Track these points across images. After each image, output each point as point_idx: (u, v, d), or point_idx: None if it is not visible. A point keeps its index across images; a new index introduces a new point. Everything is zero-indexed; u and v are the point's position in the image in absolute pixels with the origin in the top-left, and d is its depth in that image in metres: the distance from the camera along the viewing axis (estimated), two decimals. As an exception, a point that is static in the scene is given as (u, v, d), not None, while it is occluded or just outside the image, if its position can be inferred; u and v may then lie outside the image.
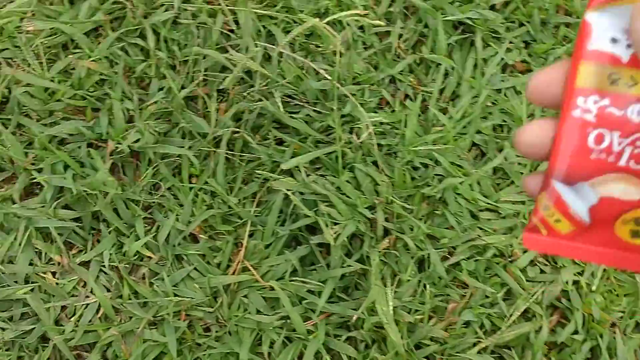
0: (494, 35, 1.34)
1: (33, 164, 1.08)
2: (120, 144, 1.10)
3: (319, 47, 1.29)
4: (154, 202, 1.11)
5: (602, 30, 0.42)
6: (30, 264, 1.04)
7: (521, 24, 1.37)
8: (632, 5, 0.39)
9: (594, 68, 0.42)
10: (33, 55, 1.13)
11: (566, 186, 0.42)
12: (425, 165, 1.27)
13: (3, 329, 0.99)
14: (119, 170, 1.13)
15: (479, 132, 1.27)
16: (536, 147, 0.44)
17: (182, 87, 1.20)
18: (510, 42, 1.34)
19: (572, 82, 0.42)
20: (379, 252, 1.15)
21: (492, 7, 1.35)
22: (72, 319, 1.02)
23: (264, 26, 1.27)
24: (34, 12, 1.18)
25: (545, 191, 0.43)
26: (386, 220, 1.19)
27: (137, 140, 1.10)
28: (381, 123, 1.27)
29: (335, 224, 1.13)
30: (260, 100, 1.20)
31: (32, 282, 1.02)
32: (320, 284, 1.09)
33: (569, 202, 0.42)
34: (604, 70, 0.42)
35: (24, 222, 1.03)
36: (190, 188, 1.13)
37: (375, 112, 1.29)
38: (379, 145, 1.24)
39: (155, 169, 1.12)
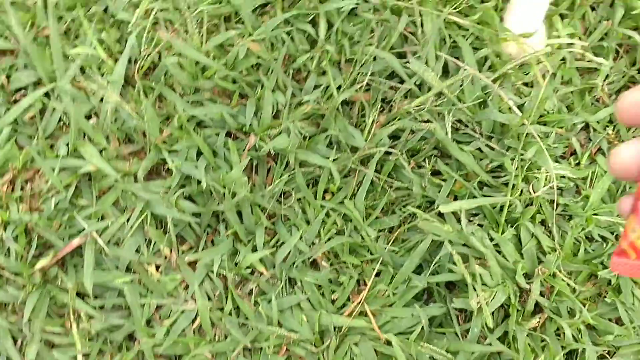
0: None
1: (165, 142, 0.98)
2: (263, 141, 0.97)
3: (512, 71, 1.08)
4: (280, 212, 0.98)
5: None
6: (137, 251, 0.95)
7: None
8: None
9: None
10: (194, 22, 1.03)
11: None
12: (604, 239, 1.04)
13: (91, 317, 0.91)
14: (251, 167, 1.01)
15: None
16: (632, 169, 0.42)
17: (340, 88, 1.06)
18: None
19: None
20: (527, 331, 0.95)
21: None
22: (165, 322, 0.91)
23: (450, 35, 1.09)
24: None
25: (634, 214, 0.42)
26: (541, 294, 0.97)
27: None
28: (563, 177, 1.05)
29: (484, 287, 0.94)
30: (427, 121, 1.03)
31: (134, 272, 0.93)
32: (449, 354, 0.90)
33: None
34: None
35: (141, 204, 0.94)
36: (323, 205, 0.99)
37: (558, 162, 1.07)
38: (555, 203, 1.02)
39: (290, 176, 0.99)
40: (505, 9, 1.11)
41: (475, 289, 0.91)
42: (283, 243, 0.96)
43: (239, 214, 0.96)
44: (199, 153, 0.97)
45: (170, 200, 0.94)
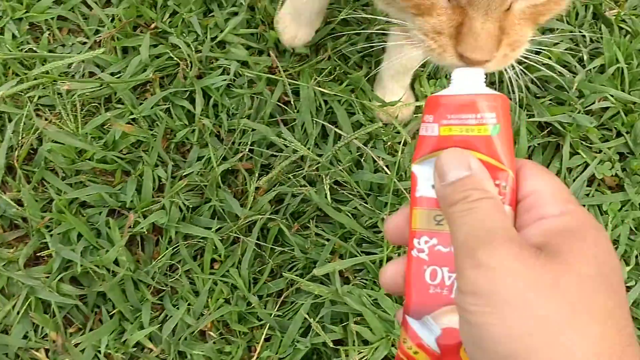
0: (584, 143, 1.16)
1: (48, 226, 0.99)
2: (143, 217, 1.00)
3: (383, 130, 1.15)
4: (167, 286, 1.00)
5: (424, 180, 0.48)
6: (25, 337, 0.95)
7: (619, 134, 1.18)
8: (435, 158, 0.47)
9: (423, 212, 0.48)
10: (71, 106, 1.05)
11: (416, 320, 0.46)
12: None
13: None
14: (137, 243, 1.03)
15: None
16: (396, 286, 0.49)
17: (224, 159, 1.10)
18: (603, 153, 1.16)
19: (410, 225, 0.49)
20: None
21: (588, 111, 1.18)
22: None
23: (325, 101, 1.15)
24: (83, 60, 1.11)
25: (403, 327, 0.47)
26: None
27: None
28: (439, 227, 1.11)
29: (367, 343, 0.98)
30: (305, 185, 1.08)
31: (19, 361, 0.93)
32: (337, 412, 0.93)
33: (420, 335, 0.46)
34: (430, 213, 0.48)
35: (25, 290, 0.94)
36: (211, 274, 1.01)
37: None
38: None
39: (175, 249, 1.01)
40: (376, 78, 1.18)
41: (355, 344, 0.95)
42: (170, 317, 0.98)
43: (124, 292, 0.98)
44: (81, 236, 0.98)
45: (52, 285, 0.94)
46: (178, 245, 1.01)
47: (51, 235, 0.98)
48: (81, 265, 0.95)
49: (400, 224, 0.50)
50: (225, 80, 1.13)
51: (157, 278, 1.00)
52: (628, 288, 1.07)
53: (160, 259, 0.99)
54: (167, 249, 1.01)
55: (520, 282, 0.40)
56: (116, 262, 0.98)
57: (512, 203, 0.46)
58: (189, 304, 0.99)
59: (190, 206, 1.04)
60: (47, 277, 0.96)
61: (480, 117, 0.46)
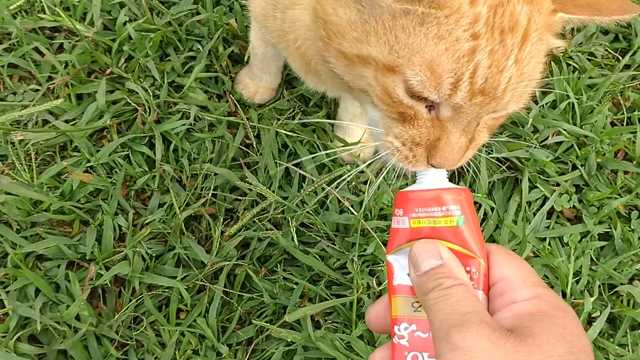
0: (542, 176, 1.19)
1: (3, 282, 0.94)
2: (105, 268, 0.96)
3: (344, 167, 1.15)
4: (132, 340, 0.96)
5: (400, 269, 0.52)
6: (-22, 403, 0.89)
7: (574, 167, 1.21)
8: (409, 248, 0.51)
9: (401, 299, 0.52)
10: (24, 156, 1.01)
11: None
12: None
13: None
14: (99, 296, 0.99)
15: (517, 287, 1.09)
16: (381, 325, 0.54)
17: (187, 204, 1.07)
18: (560, 186, 1.19)
19: (390, 313, 0.52)
20: None
21: (544, 146, 1.21)
22: None
23: (286, 144, 1.15)
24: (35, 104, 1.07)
25: None
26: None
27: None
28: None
29: (340, 388, 0.96)
30: (271, 229, 1.06)
31: None
32: None
33: None
34: (408, 300, 0.51)
35: (-22, 353, 0.88)
36: (177, 324, 0.98)
37: (401, 252, 1.13)
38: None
39: (139, 301, 0.97)
40: (335, 119, 1.19)
41: (331, 392, 0.93)
42: (136, 373, 0.93)
43: (86, 348, 0.93)
44: (39, 290, 0.94)
45: (10, 345, 0.89)
46: (142, 297, 0.97)
47: (7, 292, 0.93)
48: (40, 323, 0.90)
49: (380, 313, 0.54)
50: (185, 124, 1.11)
51: (121, 332, 0.96)
52: (593, 319, 1.09)
53: (124, 311, 0.95)
54: (130, 300, 0.97)
55: None
56: (77, 318, 0.93)
57: (485, 288, 0.50)
58: (155, 357, 0.95)
59: (154, 255, 1.01)
60: (4, 337, 0.90)
61: (445, 210, 0.51)
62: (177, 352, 0.96)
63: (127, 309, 0.96)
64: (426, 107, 0.65)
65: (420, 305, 0.50)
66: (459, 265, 0.50)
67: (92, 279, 0.95)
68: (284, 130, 1.11)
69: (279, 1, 0.80)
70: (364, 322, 1.02)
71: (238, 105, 1.15)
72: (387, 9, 0.62)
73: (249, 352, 0.99)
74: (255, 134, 1.14)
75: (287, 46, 0.83)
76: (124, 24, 1.20)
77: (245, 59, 1.18)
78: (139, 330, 0.97)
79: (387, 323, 0.52)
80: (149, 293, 0.98)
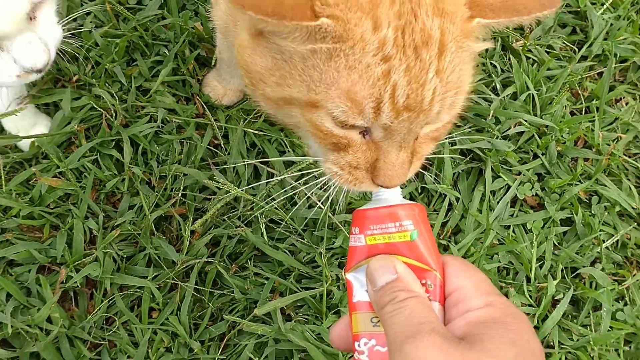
0: (505, 166, 1.22)
1: (-27, 288, 0.95)
2: (75, 271, 0.97)
3: (313, 166, 1.17)
4: (104, 340, 0.97)
5: (359, 286, 0.53)
6: (-47, 408, 0.89)
7: (535, 156, 1.25)
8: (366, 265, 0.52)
9: (361, 315, 0.53)
10: (-6, 163, 1.02)
11: None
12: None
13: None
14: (70, 298, 1.00)
15: (483, 274, 1.12)
16: (343, 343, 0.56)
17: (157, 205, 1.09)
18: (522, 175, 1.22)
19: (351, 330, 0.53)
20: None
21: (505, 136, 1.24)
22: None
23: (254, 143, 1.17)
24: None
25: None
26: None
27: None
28: (375, 257, 1.13)
29: (312, 378, 0.98)
30: (241, 226, 1.08)
31: None
32: None
33: None
34: (367, 316, 0.53)
35: (-49, 358, 0.89)
36: (150, 323, 1.00)
37: (369, 244, 1.15)
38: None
39: (111, 301, 0.99)
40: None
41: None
42: (110, 372, 0.95)
43: (59, 350, 0.94)
44: (10, 294, 0.95)
45: (-19, 350, 0.90)
46: (114, 297, 0.99)
47: (-22, 298, 0.94)
48: (12, 327, 0.91)
49: (342, 331, 0.56)
50: (153, 127, 1.13)
51: (94, 333, 0.97)
52: (557, 301, 1.12)
53: (96, 312, 0.97)
54: (102, 301, 0.99)
55: None
56: (49, 320, 0.95)
57: (441, 299, 0.53)
58: (128, 357, 0.96)
59: (125, 256, 1.03)
60: (-24, 342, 0.91)
61: (399, 225, 0.53)
62: (149, 350, 0.98)
63: (99, 309, 0.97)
64: (360, 133, 0.67)
65: (379, 320, 0.52)
66: (414, 278, 0.52)
67: (63, 282, 0.96)
68: (251, 129, 1.13)
69: (238, 22, 0.81)
70: (334, 313, 1.05)
71: (206, 107, 1.17)
72: (294, 53, 0.64)
73: (222, 348, 1.01)
74: (223, 135, 1.16)
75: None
76: (90, 31, 1.21)
77: (213, 62, 1.20)
78: (111, 330, 0.98)
79: (349, 341, 0.54)
80: (121, 294, 1.00)
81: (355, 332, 0.53)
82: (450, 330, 0.49)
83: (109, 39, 1.20)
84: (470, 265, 0.54)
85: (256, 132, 1.13)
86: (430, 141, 0.74)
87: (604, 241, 1.18)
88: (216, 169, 1.13)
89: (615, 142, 1.28)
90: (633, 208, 1.21)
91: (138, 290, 1.01)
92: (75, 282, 0.96)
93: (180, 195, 1.10)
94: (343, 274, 0.59)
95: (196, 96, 1.19)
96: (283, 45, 0.65)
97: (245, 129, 1.14)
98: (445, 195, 1.19)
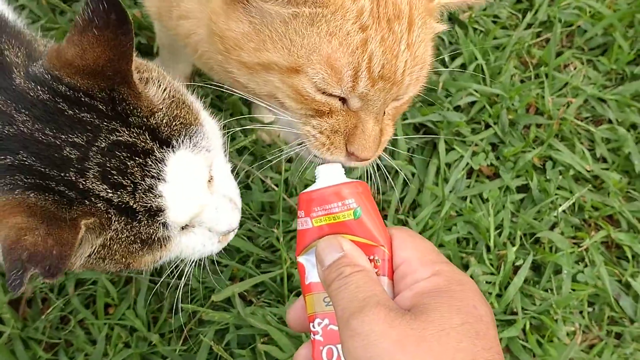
0: (458, 138, 1.22)
1: None
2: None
3: (266, 150, 1.16)
4: (60, 340, 0.95)
5: (311, 268, 0.55)
6: None
7: (487, 126, 1.25)
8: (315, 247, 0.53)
9: (314, 296, 0.54)
10: None
11: None
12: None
13: None
14: (27, 301, 0.97)
15: (441, 245, 1.13)
16: (299, 324, 0.57)
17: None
18: (476, 145, 1.23)
19: (306, 311, 0.54)
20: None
21: (457, 108, 1.24)
22: None
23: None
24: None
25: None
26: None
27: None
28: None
29: (276, 362, 0.97)
30: (194, 215, 1.06)
31: None
32: None
33: None
34: (320, 296, 0.53)
35: None
36: (107, 319, 0.97)
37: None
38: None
39: (65, 300, 0.96)
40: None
41: (266, 366, 0.93)
42: (67, 371, 0.92)
43: (13, 353, 0.91)
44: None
45: None
46: (68, 296, 0.96)
47: None
48: (-40, 332, 0.88)
49: (299, 314, 0.56)
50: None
51: (49, 333, 0.95)
52: (518, 267, 1.12)
53: (51, 311, 0.94)
54: (57, 300, 0.96)
55: (389, 343, 0.45)
56: (1, 322, 0.92)
57: (389, 273, 0.53)
58: (86, 354, 0.94)
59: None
60: None
61: (342, 205, 0.53)
62: (108, 346, 0.95)
63: (54, 309, 0.94)
64: (339, 100, 0.68)
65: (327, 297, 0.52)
66: (361, 254, 0.52)
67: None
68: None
69: (173, 6, 0.80)
70: (295, 295, 1.03)
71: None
72: (276, 16, 0.65)
73: (182, 339, 0.99)
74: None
75: (188, 50, 0.84)
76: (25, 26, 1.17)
77: (155, 50, 1.18)
78: (67, 329, 0.96)
79: (306, 322, 0.54)
80: (76, 292, 0.97)
81: (310, 313, 0.54)
82: (399, 303, 0.49)
83: (46, 33, 1.16)
84: (416, 236, 0.55)
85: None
86: (391, 122, 0.75)
87: (560, 205, 1.19)
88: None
89: (566, 106, 1.29)
90: (587, 171, 1.22)
91: (92, 286, 0.98)
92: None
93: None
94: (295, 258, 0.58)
95: (141, 86, 1.17)
96: (265, 8, 0.65)
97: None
98: (401, 171, 1.18)
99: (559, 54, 1.33)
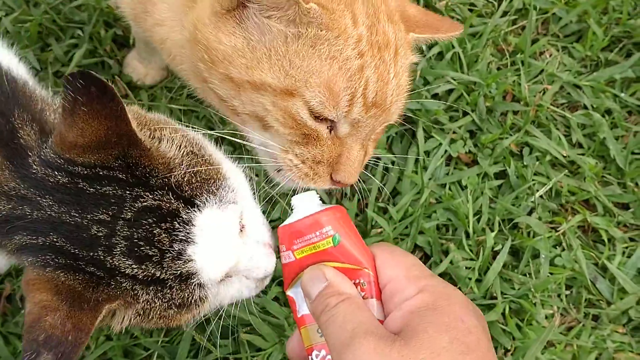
0: (436, 126, 1.23)
1: None
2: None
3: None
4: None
5: (301, 300, 0.55)
6: None
7: (465, 113, 1.26)
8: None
9: (308, 328, 0.54)
10: None
11: None
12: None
13: None
14: (6, 297, 0.96)
15: (421, 232, 1.14)
16: (298, 356, 0.56)
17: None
18: (454, 133, 1.23)
19: (302, 344, 0.54)
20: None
21: (435, 96, 1.25)
22: None
23: (181, 120, 1.14)
24: None
25: None
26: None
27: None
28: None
29: (259, 350, 0.97)
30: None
31: None
32: None
33: None
34: (313, 328, 0.53)
35: None
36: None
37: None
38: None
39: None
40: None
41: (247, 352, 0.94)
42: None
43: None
44: None
45: None
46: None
47: None
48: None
49: (296, 345, 0.56)
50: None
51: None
52: (496, 252, 1.14)
53: (28, 306, 0.93)
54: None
55: None
56: (-22, 319, 0.91)
57: (377, 294, 0.53)
58: (67, 348, 0.93)
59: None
60: None
61: (319, 234, 0.53)
62: (89, 339, 0.94)
63: (31, 303, 0.93)
64: (327, 127, 0.68)
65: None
66: (345, 280, 0.52)
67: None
68: (176, 105, 1.11)
69: (148, 12, 0.79)
70: (277, 285, 1.04)
71: (127, 88, 1.13)
72: (278, 35, 0.64)
73: (165, 330, 0.98)
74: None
75: (162, 53, 0.83)
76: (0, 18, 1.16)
77: (131, 41, 1.17)
78: (47, 323, 0.95)
79: (304, 355, 0.54)
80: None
81: (307, 346, 0.54)
82: (389, 324, 0.49)
83: (20, 25, 1.15)
84: (396, 251, 0.55)
85: (182, 107, 1.11)
86: (374, 143, 0.77)
87: (537, 190, 1.20)
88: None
89: (542, 93, 1.30)
90: (563, 156, 1.24)
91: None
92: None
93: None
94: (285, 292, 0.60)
95: (117, 78, 1.16)
96: (266, 25, 0.64)
97: (170, 106, 1.11)
98: (381, 159, 1.19)
99: (534, 41, 1.34)
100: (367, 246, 0.55)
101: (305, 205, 0.57)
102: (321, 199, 0.59)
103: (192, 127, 0.68)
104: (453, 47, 1.28)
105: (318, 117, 0.67)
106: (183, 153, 0.62)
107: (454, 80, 1.25)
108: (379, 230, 1.12)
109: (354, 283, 0.52)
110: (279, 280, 1.04)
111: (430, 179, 1.18)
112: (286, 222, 0.56)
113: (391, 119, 0.72)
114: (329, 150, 0.69)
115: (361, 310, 0.49)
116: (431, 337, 0.46)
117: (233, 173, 0.67)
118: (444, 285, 0.51)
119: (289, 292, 0.55)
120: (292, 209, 0.58)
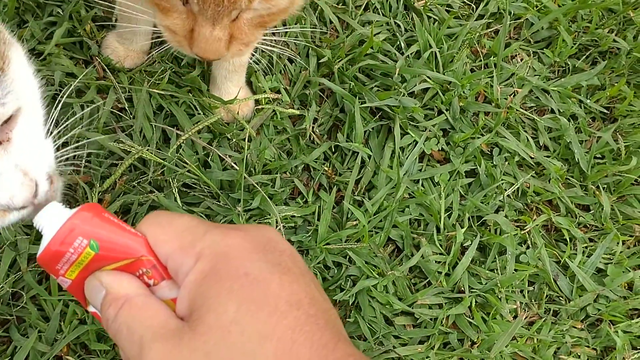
0: (412, 123, 1.26)
1: None
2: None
3: (226, 128, 1.15)
4: (12, 317, 0.92)
5: None
6: None
7: (440, 112, 1.29)
8: None
9: None
10: None
11: None
12: (338, 264, 1.14)
13: None
14: (-29, 276, 0.94)
15: (395, 226, 1.16)
16: None
17: (60, 174, 1.03)
18: (429, 130, 1.26)
19: None
20: None
21: (411, 94, 1.27)
22: None
23: (161, 106, 1.13)
24: None
25: None
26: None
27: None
28: (292, 216, 1.14)
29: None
30: (152, 191, 1.05)
31: None
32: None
33: None
34: None
35: None
36: (61, 296, 0.95)
37: (287, 204, 1.16)
38: (290, 241, 1.10)
39: (17, 275, 0.93)
40: (210, 79, 1.18)
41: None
42: (20, 348, 0.90)
43: (-38, 330, 0.88)
44: None
45: None
46: (20, 272, 0.93)
47: None
48: None
49: None
50: (50, 91, 1.06)
51: (0, 309, 0.92)
52: (465, 248, 1.17)
53: (2, 287, 0.91)
54: (7, 276, 0.93)
55: None
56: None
57: (166, 274, 0.48)
58: (39, 331, 0.92)
59: (29, 225, 0.97)
60: None
61: (74, 250, 0.47)
62: (62, 323, 0.93)
63: (5, 284, 0.91)
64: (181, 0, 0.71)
65: None
66: (123, 279, 0.47)
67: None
68: (156, 90, 1.10)
69: None
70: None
71: (107, 69, 1.12)
72: None
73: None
74: (127, 98, 1.12)
75: None
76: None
77: (114, 19, 1.14)
78: (19, 306, 0.93)
79: None
80: (28, 268, 0.95)
81: None
82: (179, 309, 0.45)
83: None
84: (164, 221, 0.48)
85: (162, 92, 1.10)
86: (255, 28, 0.76)
87: (505, 190, 1.24)
88: (123, 133, 1.09)
89: (512, 96, 1.34)
90: (531, 157, 1.28)
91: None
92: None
93: (84, 162, 1.05)
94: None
95: (96, 58, 1.14)
96: None
97: (150, 90, 1.10)
98: (358, 153, 1.21)
99: (507, 45, 1.38)
100: (134, 231, 0.49)
101: (50, 221, 0.49)
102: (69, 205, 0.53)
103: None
104: (430, 46, 1.30)
105: None
106: None
107: (430, 79, 1.27)
108: (354, 222, 1.14)
109: (138, 276, 0.47)
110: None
111: (404, 174, 1.20)
112: (39, 251, 0.49)
113: (250, 8, 0.70)
114: (181, 23, 0.72)
115: (143, 311, 0.45)
116: (217, 315, 0.41)
117: (21, 74, 0.58)
118: (222, 237, 0.45)
119: (91, 310, 0.50)
120: (41, 232, 0.50)
